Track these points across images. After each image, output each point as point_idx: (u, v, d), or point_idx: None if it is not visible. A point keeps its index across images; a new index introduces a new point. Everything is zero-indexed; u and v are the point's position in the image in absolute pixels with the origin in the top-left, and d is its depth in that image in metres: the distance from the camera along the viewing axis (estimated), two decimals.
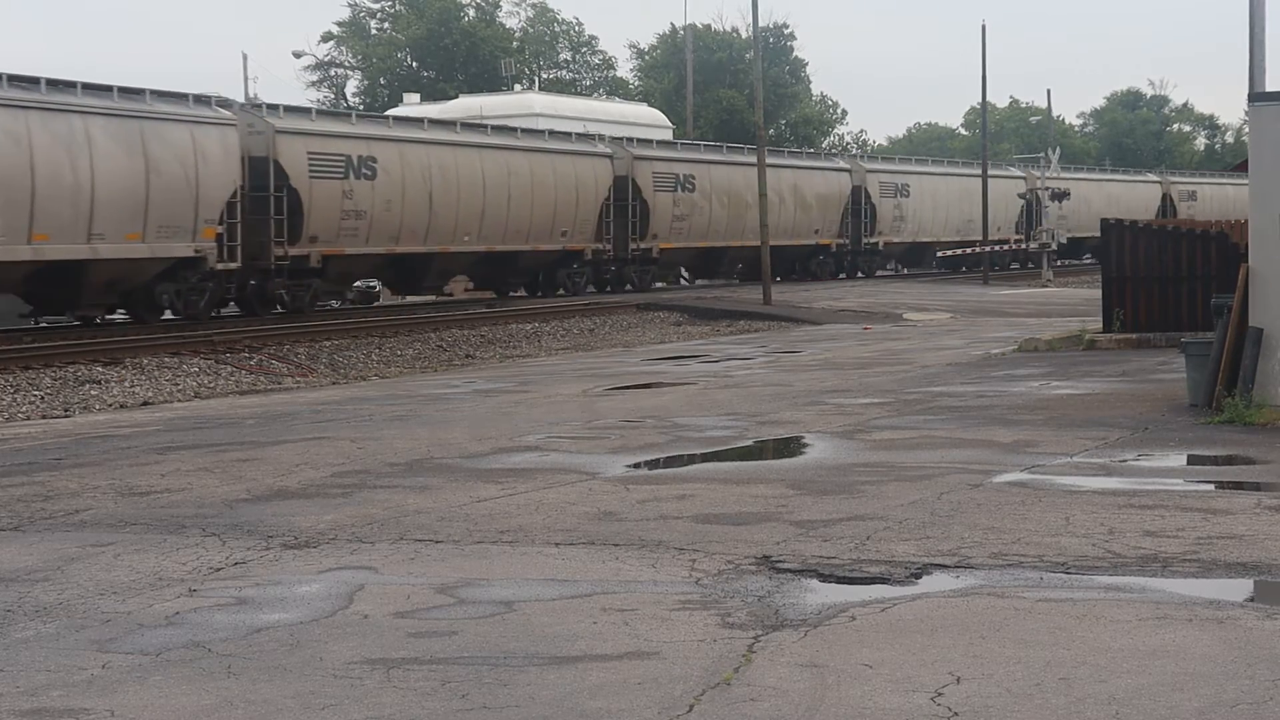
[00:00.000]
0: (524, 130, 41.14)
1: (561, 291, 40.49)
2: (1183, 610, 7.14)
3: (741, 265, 48.90)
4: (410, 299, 40.72)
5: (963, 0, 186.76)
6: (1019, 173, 63.50)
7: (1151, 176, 73.22)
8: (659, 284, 46.30)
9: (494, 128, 40.39)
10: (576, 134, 42.55)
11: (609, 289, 42.01)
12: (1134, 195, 67.58)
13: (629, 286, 42.29)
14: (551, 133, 41.28)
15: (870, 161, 56.79)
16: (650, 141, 45.96)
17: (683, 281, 50.60)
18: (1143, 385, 17.52)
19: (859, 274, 54.23)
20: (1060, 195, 56.00)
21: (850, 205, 52.42)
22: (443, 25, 79.87)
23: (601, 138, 42.99)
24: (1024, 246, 58.18)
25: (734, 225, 46.08)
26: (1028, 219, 59.82)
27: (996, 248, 55.53)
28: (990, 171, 57.11)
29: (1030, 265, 57.67)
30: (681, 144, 48.63)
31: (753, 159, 43.31)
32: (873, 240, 53.93)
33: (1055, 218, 54.70)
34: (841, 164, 53.56)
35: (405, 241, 34.66)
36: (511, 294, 41.12)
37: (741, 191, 45.74)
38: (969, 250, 54.92)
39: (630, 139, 44.28)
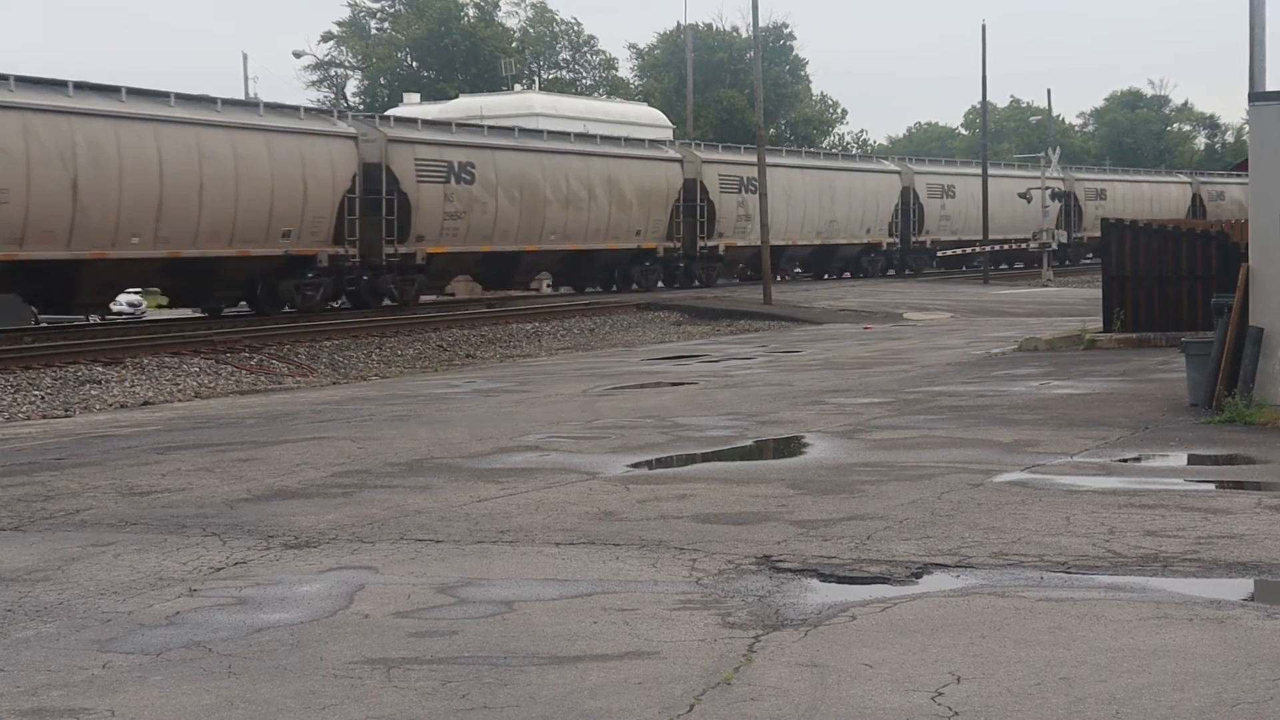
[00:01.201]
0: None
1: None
2: (1183, 610, 7.14)
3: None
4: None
5: (963, 0, 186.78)
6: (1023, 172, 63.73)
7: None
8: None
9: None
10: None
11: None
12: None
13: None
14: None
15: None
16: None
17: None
18: (1143, 385, 17.51)
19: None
20: (1060, 195, 56.10)
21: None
22: (442, 25, 79.87)
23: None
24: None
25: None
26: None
27: (998, 247, 55.52)
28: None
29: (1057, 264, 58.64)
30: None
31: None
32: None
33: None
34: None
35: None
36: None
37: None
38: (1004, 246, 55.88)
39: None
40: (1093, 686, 5.96)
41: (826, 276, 53.57)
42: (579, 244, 40.06)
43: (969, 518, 9.51)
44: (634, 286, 42.59)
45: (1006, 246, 56.16)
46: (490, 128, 39.82)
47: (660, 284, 43.89)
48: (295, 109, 33.57)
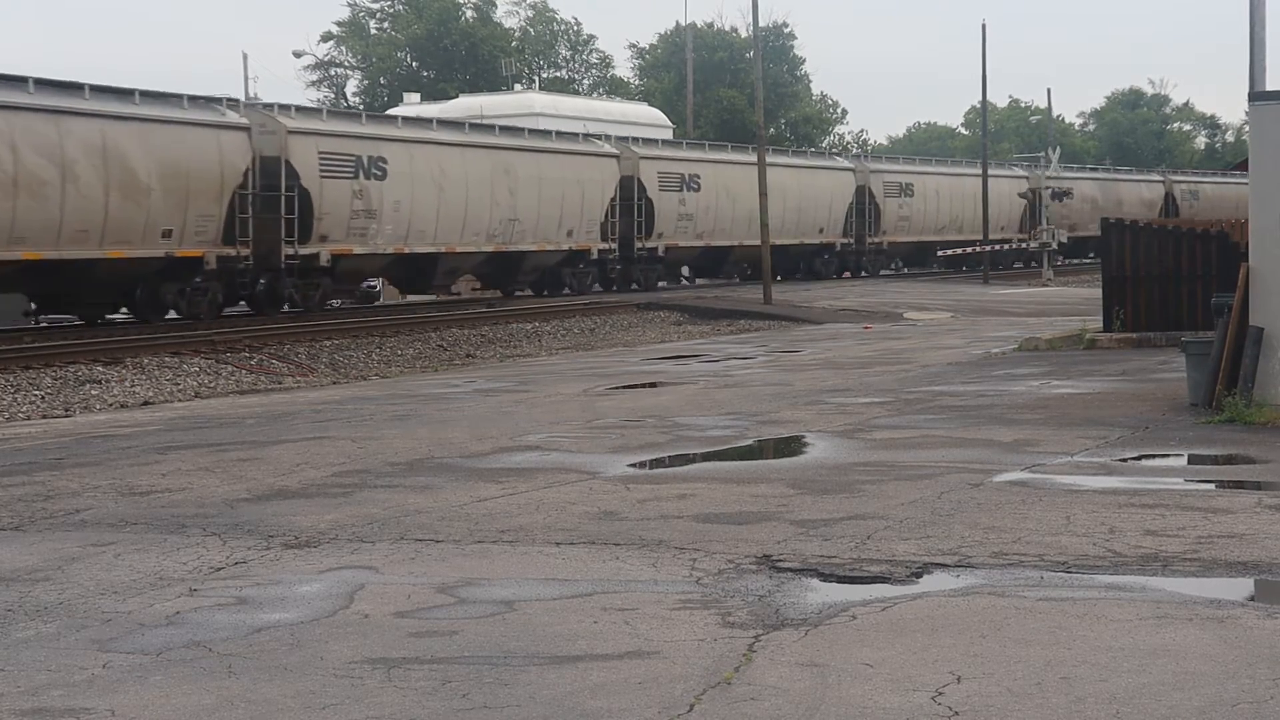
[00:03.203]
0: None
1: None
2: (1183, 609, 7.14)
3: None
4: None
5: (963, 0, 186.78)
6: (1022, 172, 63.15)
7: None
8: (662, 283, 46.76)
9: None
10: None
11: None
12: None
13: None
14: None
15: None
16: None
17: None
18: (1143, 384, 17.51)
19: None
20: (1061, 194, 56.06)
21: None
22: (442, 25, 79.88)
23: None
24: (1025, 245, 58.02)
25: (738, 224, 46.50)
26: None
27: (998, 246, 55.42)
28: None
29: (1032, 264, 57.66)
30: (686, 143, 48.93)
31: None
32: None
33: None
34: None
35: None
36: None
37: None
38: (968, 250, 54.88)
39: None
40: (1093, 686, 5.96)
41: (779, 279, 48.54)
42: (503, 245, 37.24)
43: (969, 517, 9.51)
44: (565, 291, 40.20)
45: (967, 250, 54.54)
46: (404, 119, 36.74)
47: (597, 287, 41.51)
48: (179, 97, 29.79)
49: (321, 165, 31.86)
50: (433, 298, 40.19)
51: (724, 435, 14.26)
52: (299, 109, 33.31)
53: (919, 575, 8.00)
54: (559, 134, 41.47)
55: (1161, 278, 23.17)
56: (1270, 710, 5.64)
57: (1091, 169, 71.31)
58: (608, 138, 43.03)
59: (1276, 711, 5.62)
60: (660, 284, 44.49)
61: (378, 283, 40.53)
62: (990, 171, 56.67)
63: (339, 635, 7.00)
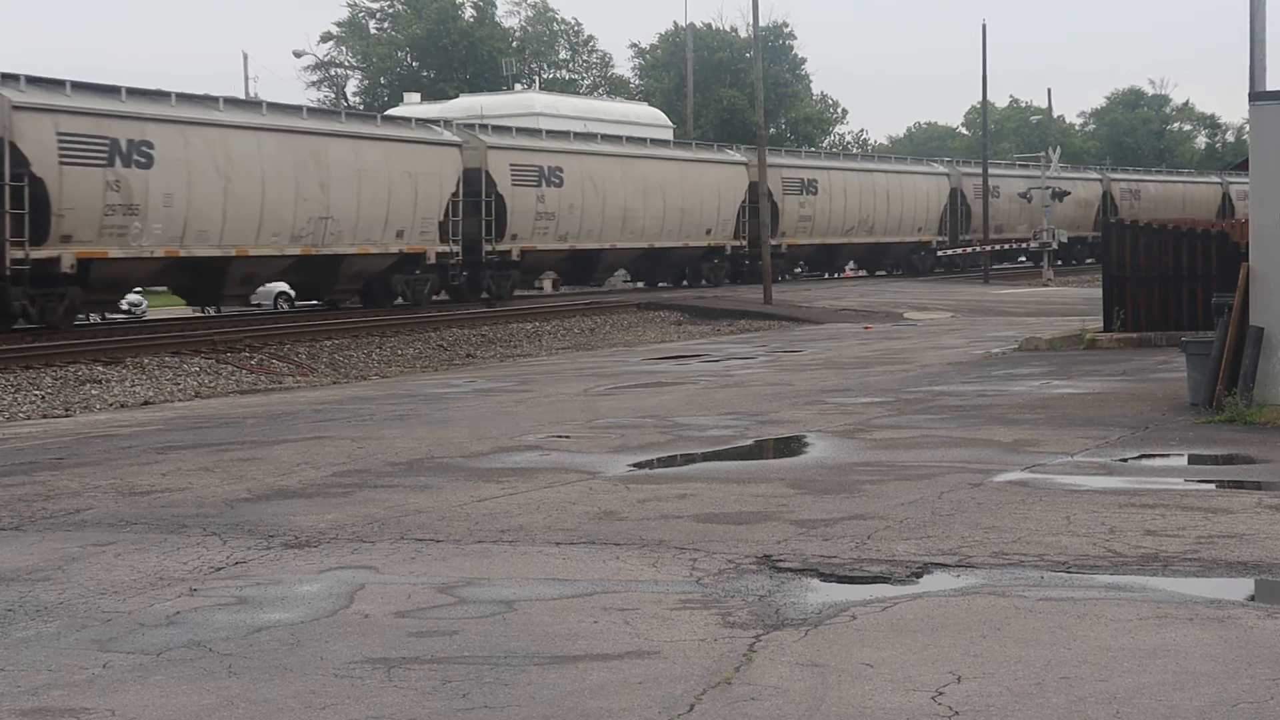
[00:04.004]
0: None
1: (400, 301, 35.94)
2: (1183, 609, 7.14)
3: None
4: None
5: (963, 0, 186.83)
6: (1028, 172, 61.72)
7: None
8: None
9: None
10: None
11: None
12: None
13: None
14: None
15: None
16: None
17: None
18: (1143, 384, 17.52)
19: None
20: (1061, 194, 55.95)
21: None
22: (441, 25, 79.90)
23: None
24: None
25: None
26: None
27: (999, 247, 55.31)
28: (903, 166, 55.73)
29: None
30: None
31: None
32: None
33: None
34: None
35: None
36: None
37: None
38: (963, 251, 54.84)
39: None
40: (1093, 686, 5.96)
41: (662, 285, 45.58)
42: (312, 247, 31.85)
43: (969, 517, 9.51)
44: (398, 301, 35.17)
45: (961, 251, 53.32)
46: (179, 95, 29.73)
47: (445, 295, 37.35)
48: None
49: (61, 148, 26.48)
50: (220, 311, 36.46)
51: (724, 435, 14.26)
52: (31, 80, 26.94)
53: (919, 575, 8.00)
54: (385, 118, 37.19)
55: (1162, 278, 23.18)
56: (1270, 710, 5.64)
57: (1023, 165, 65.97)
58: (448, 123, 38.28)
59: (1277, 711, 5.62)
60: (517, 293, 39.86)
61: (142, 300, 39.23)
62: (904, 167, 54.90)
63: (339, 635, 7.00)
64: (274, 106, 32.40)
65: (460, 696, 6.01)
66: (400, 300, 35.14)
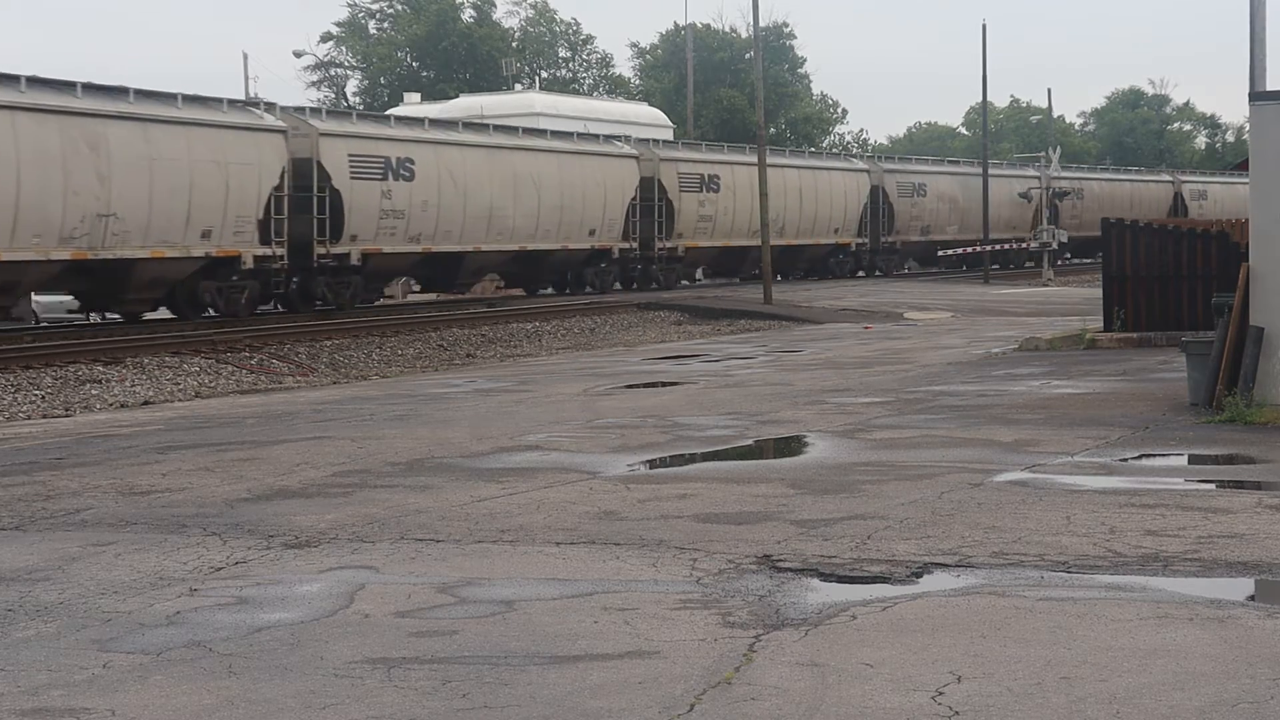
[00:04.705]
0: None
1: (211, 313, 30.99)
2: (1184, 609, 7.14)
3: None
4: None
5: (963, 0, 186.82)
6: (1031, 171, 60.77)
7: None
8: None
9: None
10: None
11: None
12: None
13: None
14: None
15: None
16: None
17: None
18: (1143, 384, 17.52)
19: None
20: (1061, 195, 55.92)
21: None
22: (441, 26, 79.92)
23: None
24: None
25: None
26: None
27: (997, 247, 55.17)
28: (819, 162, 52.03)
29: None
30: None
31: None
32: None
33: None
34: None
35: None
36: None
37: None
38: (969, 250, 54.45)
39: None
40: (1093, 686, 5.96)
41: (544, 292, 41.74)
42: (96, 251, 26.69)
43: (969, 517, 9.51)
44: (209, 313, 30.42)
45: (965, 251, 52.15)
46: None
47: (278, 305, 33.31)
48: (219, 101, 30.17)
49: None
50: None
51: (724, 435, 14.26)
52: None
53: (919, 575, 8.00)
54: (188, 98, 29.44)
55: (1162, 278, 23.18)
56: (1271, 710, 5.63)
57: (953, 162, 62.81)
58: (271, 106, 32.15)
59: (1277, 711, 5.62)
60: (359, 304, 34.31)
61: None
62: (819, 163, 51.26)
63: (339, 635, 7.00)
64: (36, 81, 26.24)
65: (460, 696, 6.01)
66: (212, 311, 30.30)
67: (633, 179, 41.73)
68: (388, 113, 40.61)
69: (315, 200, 31.63)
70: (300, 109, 33.21)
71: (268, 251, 30.29)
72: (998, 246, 54.79)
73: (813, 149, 60.70)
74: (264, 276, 30.80)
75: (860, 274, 53.55)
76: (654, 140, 45.76)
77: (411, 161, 34.01)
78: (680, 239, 44.03)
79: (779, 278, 46.88)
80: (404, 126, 35.15)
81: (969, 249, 54.09)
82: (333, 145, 32.26)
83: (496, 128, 39.52)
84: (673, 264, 44.23)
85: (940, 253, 54.93)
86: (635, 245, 42.06)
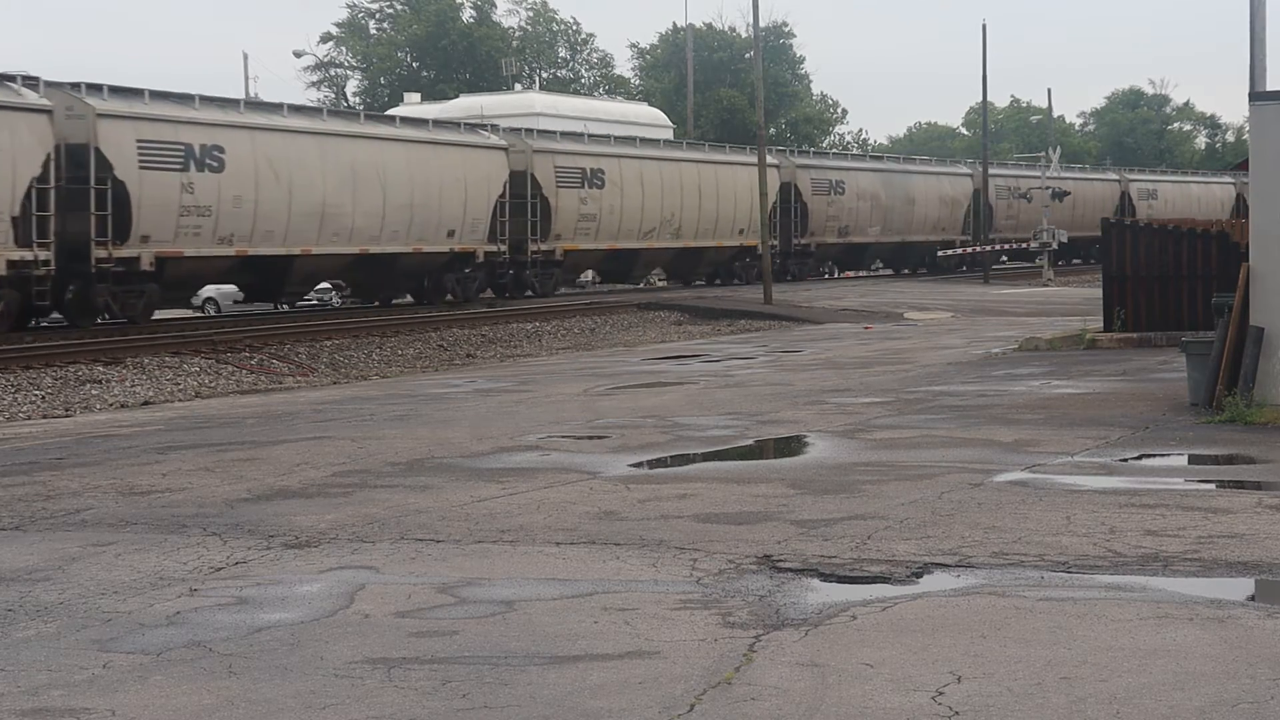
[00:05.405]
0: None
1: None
2: (1184, 609, 7.14)
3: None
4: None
5: (962, 0, 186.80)
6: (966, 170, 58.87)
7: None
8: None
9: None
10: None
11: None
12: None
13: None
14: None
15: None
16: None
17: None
18: (1143, 384, 17.51)
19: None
20: (1061, 194, 55.86)
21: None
22: (440, 26, 79.92)
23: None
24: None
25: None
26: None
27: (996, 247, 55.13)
28: (726, 156, 47.12)
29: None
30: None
31: None
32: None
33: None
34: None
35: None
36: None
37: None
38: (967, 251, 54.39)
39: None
40: (1093, 686, 5.96)
41: (397, 302, 37.59)
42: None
43: (969, 517, 9.51)
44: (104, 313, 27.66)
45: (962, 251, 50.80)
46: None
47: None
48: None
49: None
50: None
51: (724, 435, 14.26)
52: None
53: (919, 575, 8.00)
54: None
55: (1162, 278, 23.18)
56: (1271, 710, 5.63)
57: (875, 158, 59.38)
58: (31, 81, 26.72)
59: (1277, 711, 5.62)
60: (141, 320, 28.71)
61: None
62: (721, 157, 46.53)
63: (339, 635, 7.00)
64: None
65: (460, 696, 6.01)
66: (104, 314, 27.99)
67: (500, 173, 36.86)
68: (623, 135, 38.68)
69: (94, 194, 26.74)
70: (76, 85, 27.36)
71: (26, 255, 25.35)
72: (997, 247, 54.71)
73: (713, 141, 53.51)
74: (23, 285, 25.72)
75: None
76: (526, 130, 40.44)
77: (220, 149, 29.00)
78: (558, 241, 39.12)
79: (678, 282, 44.82)
80: (211, 108, 29.72)
81: (969, 250, 54.11)
82: (115, 128, 27.14)
83: (331, 112, 36.00)
84: (549, 269, 39.54)
85: (940, 253, 54.74)
86: (504, 248, 37.25)
